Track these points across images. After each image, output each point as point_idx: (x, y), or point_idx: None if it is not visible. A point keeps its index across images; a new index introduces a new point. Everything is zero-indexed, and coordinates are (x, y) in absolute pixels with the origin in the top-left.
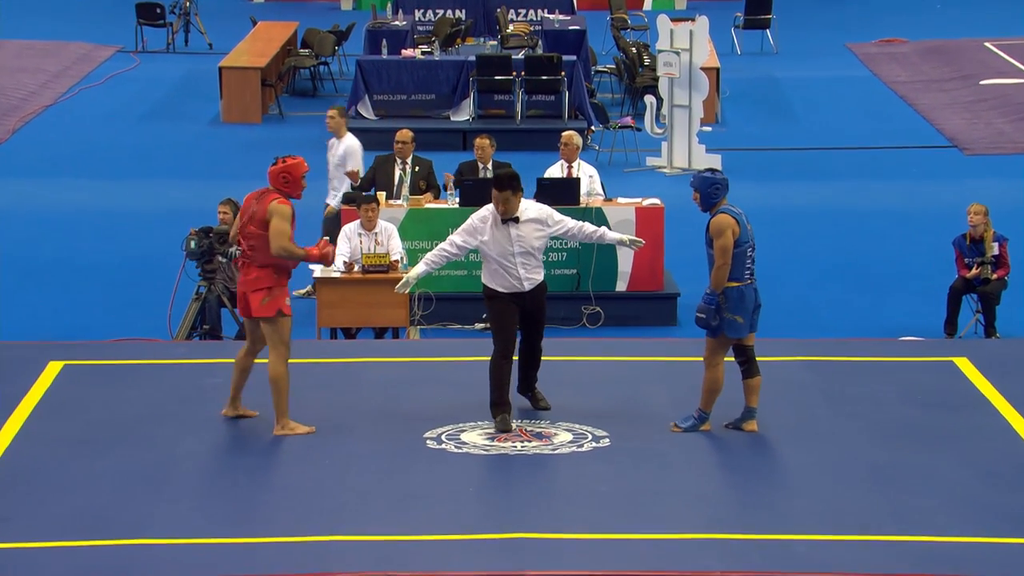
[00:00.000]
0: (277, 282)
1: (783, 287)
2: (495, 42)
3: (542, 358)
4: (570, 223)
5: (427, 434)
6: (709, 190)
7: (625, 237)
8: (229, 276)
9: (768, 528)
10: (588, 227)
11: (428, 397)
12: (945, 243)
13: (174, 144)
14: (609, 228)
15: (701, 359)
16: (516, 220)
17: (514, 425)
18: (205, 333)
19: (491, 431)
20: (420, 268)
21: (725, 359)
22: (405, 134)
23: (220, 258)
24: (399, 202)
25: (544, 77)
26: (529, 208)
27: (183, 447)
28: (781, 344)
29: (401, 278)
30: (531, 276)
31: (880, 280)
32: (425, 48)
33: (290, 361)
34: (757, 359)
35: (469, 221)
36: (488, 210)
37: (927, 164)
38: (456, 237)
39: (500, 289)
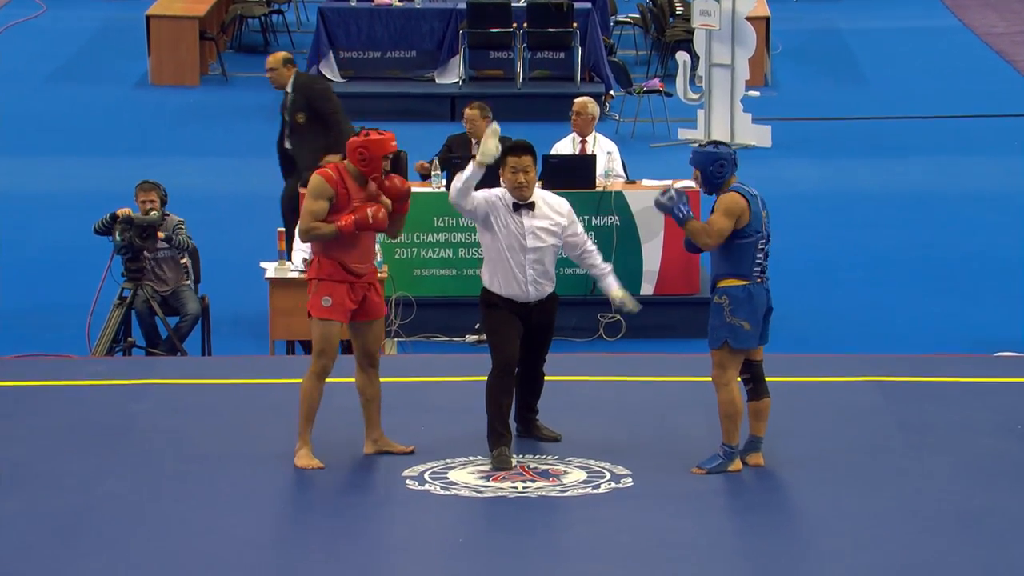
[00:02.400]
0: (320, 275)
1: (848, 289)
2: None
3: (547, 379)
4: (583, 236)
5: (407, 472)
6: (712, 167)
7: (626, 297)
8: (159, 277)
9: None
10: (594, 255)
11: (408, 426)
12: None
13: (91, 112)
14: (598, 258)
15: (739, 379)
16: (532, 207)
17: (515, 461)
18: (130, 347)
19: (486, 468)
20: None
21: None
22: (272, 62)
23: (147, 254)
24: None
25: (551, 29)
26: (545, 196)
27: (103, 489)
28: (845, 361)
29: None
30: (540, 284)
31: (970, 281)
32: None
33: (254, 381)
34: (809, 379)
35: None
36: (495, 193)
37: None
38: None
39: (502, 294)
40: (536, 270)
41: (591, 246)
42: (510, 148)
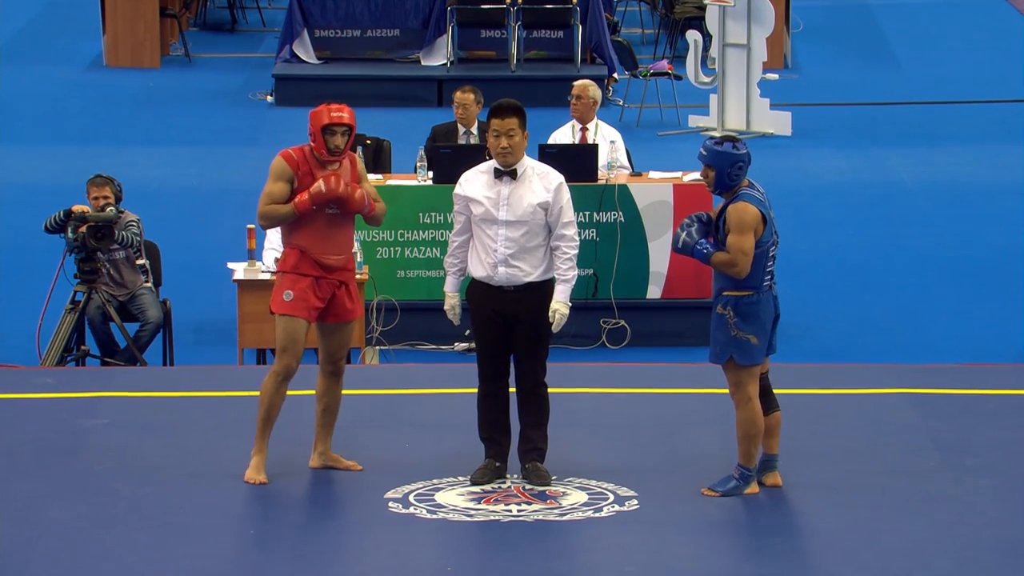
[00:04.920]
0: (284, 268)
1: (878, 293)
2: None
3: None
4: (563, 223)
5: (390, 494)
6: (730, 169)
7: (559, 317)
8: (115, 280)
9: None
10: (564, 256)
11: (391, 444)
12: None
13: (37, 97)
14: (566, 284)
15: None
16: (513, 175)
17: (510, 482)
18: (83, 356)
19: (477, 490)
20: (449, 282)
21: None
22: None
23: (101, 255)
24: None
25: (549, 6)
26: (537, 167)
27: (50, 515)
28: (876, 371)
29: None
30: (512, 266)
31: (1015, 283)
32: None
33: (220, 394)
34: (836, 391)
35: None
36: (477, 170)
37: None
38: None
39: (476, 275)
40: (508, 248)
41: (568, 247)
42: (494, 109)
